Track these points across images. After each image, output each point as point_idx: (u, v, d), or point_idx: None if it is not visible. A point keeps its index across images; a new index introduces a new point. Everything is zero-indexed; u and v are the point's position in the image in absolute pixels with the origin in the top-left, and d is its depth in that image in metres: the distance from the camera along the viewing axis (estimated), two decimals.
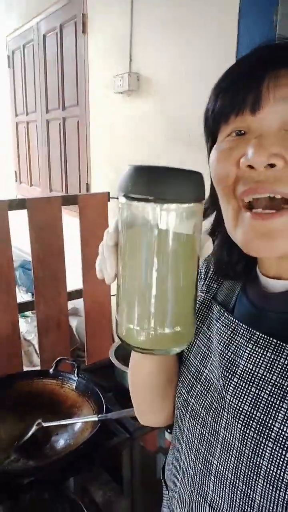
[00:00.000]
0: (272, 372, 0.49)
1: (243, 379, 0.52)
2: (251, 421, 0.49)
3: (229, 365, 0.54)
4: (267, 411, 0.48)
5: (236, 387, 0.52)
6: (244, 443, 0.49)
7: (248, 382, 0.51)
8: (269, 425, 0.47)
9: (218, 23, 1.58)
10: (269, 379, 0.49)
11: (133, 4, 2.03)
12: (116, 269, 0.48)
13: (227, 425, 0.52)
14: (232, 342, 0.55)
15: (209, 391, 0.57)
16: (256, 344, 0.52)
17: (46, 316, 1.88)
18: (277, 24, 1.23)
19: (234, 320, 0.57)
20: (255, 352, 0.51)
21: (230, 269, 0.62)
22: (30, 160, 3.63)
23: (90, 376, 1.42)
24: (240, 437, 0.50)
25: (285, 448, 0.45)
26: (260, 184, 0.46)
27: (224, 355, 0.55)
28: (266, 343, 0.51)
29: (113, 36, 2.23)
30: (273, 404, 0.48)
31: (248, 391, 0.50)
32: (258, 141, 0.45)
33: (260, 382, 0.50)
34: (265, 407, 0.48)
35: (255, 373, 0.50)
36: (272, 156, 0.44)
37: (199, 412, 0.58)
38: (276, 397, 0.48)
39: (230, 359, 0.54)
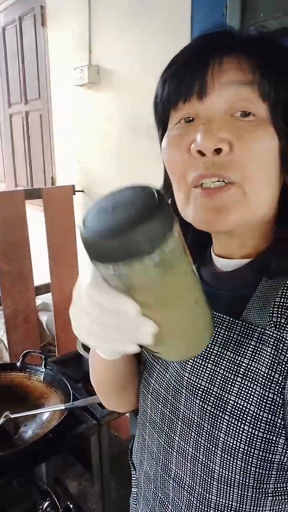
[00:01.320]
0: (226, 348, 0.51)
1: (199, 357, 0.54)
2: (209, 396, 0.51)
3: None
4: (223, 386, 0.50)
5: (193, 365, 0.54)
6: (203, 417, 0.52)
7: (204, 360, 0.53)
8: (225, 399, 0.50)
9: (172, 15, 1.61)
10: (224, 355, 0.51)
11: None
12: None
13: (186, 402, 0.55)
14: None
15: (167, 371, 0.59)
16: None
17: (13, 311, 1.87)
18: (227, 16, 1.26)
19: None
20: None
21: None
22: None
23: (58, 368, 1.44)
24: (199, 412, 0.52)
25: (239, 420, 0.48)
26: (209, 170, 0.47)
27: None
28: (220, 321, 0.53)
29: (72, 28, 2.22)
30: (228, 379, 0.50)
31: (205, 367, 0.52)
32: (205, 126, 0.47)
33: (216, 358, 0.52)
34: (221, 382, 0.50)
35: (211, 351, 0.52)
36: (218, 141, 0.46)
37: (160, 392, 0.60)
38: (231, 371, 0.50)
39: None
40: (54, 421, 1.13)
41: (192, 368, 0.54)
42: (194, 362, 0.54)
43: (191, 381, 0.54)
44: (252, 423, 0.47)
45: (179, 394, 0.56)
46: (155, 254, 0.34)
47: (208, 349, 0.53)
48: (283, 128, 0.48)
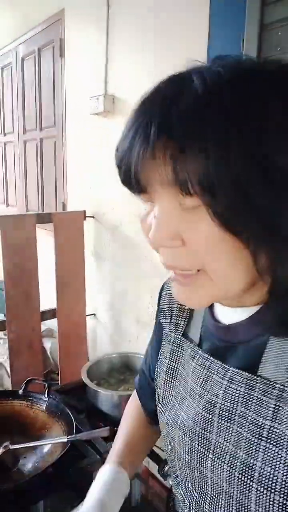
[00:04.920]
0: (248, 408, 0.48)
1: (224, 418, 0.51)
2: (235, 461, 0.48)
3: (208, 405, 0.53)
4: (248, 450, 0.47)
5: (219, 426, 0.51)
6: (232, 484, 0.48)
7: (229, 420, 0.50)
8: (252, 465, 0.46)
9: (188, 49, 1.64)
10: (247, 416, 0.48)
11: (109, 28, 2.08)
12: None
13: (212, 467, 0.51)
14: (208, 381, 0.54)
15: (186, 434, 0.56)
16: (230, 380, 0.51)
17: (17, 336, 1.83)
18: (243, 49, 1.28)
19: (208, 357, 0.56)
20: (230, 388, 0.51)
21: None
22: (6, 180, 3.61)
23: (62, 397, 1.39)
24: (227, 478, 0.49)
25: (269, 489, 0.44)
26: (168, 267, 0.48)
27: (202, 395, 0.55)
28: (239, 378, 0.50)
29: (89, 59, 2.28)
30: (253, 443, 0.47)
31: (231, 429, 0.49)
32: (155, 221, 0.45)
33: (240, 419, 0.49)
34: (246, 446, 0.47)
35: (234, 410, 0.50)
36: (168, 239, 0.45)
37: (184, 456, 0.57)
38: (255, 434, 0.47)
39: (208, 399, 0.54)
40: (56, 454, 1.07)
41: (219, 430, 0.51)
42: (219, 423, 0.51)
43: (219, 444, 0.50)
44: (283, 492, 0.43)
45: (204, 458, 0.53)
46: None
47: (231, 409, 0.50)
48: (220, 211, 0.41)
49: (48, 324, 2.41)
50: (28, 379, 1.30)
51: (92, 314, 2.33)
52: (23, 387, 1.29)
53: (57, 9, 2.51)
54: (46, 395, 1.26)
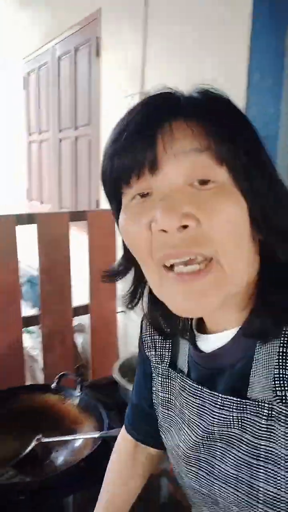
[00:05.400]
0: (244, 430, 0.48)
1: (224, 442, 0.51)
2: (240, 484, 0.48)
3: (207, 434, 0.53)
4: (250, 472, 0.47)
5: (222, 452, 0.51)
6: (240, 507, 0.49)
7: (228, 444, 0.50)
8: (255, 486, 0.46)
9: (229, 44, 1.61)
10: (243, 438, 0.48)
11: (146, 25, 2.08)
12: None
13: (220, 492, 0.51)
14: (203, 410, 0.54)
15: (189, 462, 0.57)
16: (222, 407, 0.51)
17: (51, 331, 1.86)
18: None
19: (198, 386, 0.55)
20: (223, 415, 0.50)
21: (168, 327, 0.60)
22: (41, 178, 3.68)
23: (93, 393, 1.40)
24: (236, 502, 0.49)
25: (274, 509, 0.45)
26: (177, 249, 0.43)
27: (200, 425, 0.54)
28: (230, 403, 0.49)
29: (125, 57, 2.28)
30: (253, 464, 0.47)
31: (231, 453, 0.49)
32: (165, 203, 0.42)
33: (238, 442, 0.49)
34: (247, 468, 0.47)
35: (231, 434, 0.49)
36: (182, 217, 0.42)
37: (193, 485, 0.57)
38: (253, 456, 0.47)
39: (205, 428, 0.53)
40: (87, 450, 1.08)
41: (222, 455, 0.51)
42: (221, 448, 0.51)
43: (222, 469, 0.51)
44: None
45: (211, 484, 0.53)
46: None
47: (229, 432, 0.50)
48: (247, 189, 0.43)
49: (79, 320, 2.44)
50: (61, 374, 1.31)
51: (122, 311, 2.34)
52: (56, 382, 1.31)
53: (94, 8, 2.53)
54: (78, 390, 1.27)
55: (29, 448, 1.08)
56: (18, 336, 1.77)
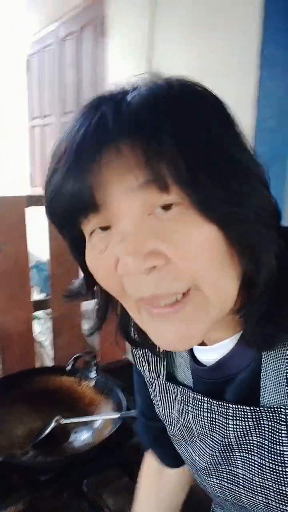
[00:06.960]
0: (263, 437, 0.46)
1: (243, 451, 0.49)
2: (268, 492, 0.47)
3: (223, 447, 0.51)
4: (276, 479, 0.46)
5: (243, 460, 0.49)
6: (269, 511, 0.48)
7: (248, 452, 0.48)
8: (284, 492, 0.46)
9: (240, 26, 1.57)
10: (263, 445, 0.46)
11: (153, 5, 2.03)
12: None
13: (248, 501, 0.50)
14: (213, 423, 0.52)
15: (209, 474, 0.55)
16: (234, 418, 0.48)
17: (61, 316, 1.85)
18: None
19: (203, 398, 0.52)
20: (237, 425, 0.48)
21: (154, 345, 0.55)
22: (44, 163, 3.64)
23: (107, 375, 1.39)
24: (266, 509, 0.48)
25: None
26: (151, 292, 0.39)
27: (213, 438, 0.52)
28: (243, 413, 0.47)
29: (132, 37, 2.23)
30: (277, 471, 0.45)
31: (253, 461, 0.48)
32: (125, 245, 0.38)
33: (258, 449, 0.47)
34: (272, 475, 0.46)
35: (250, 441, 0.48)
36: (147, 258, 0.37)
37: (218, 495, 0.56)
38: (276, 463, 0.45)
39: (220, 440, 0.51)
40: (106, 431, 1.07)
41: (243, 463, 0.49)
42: (242, 457, 0.49)
43: (246, 478, 0.49)
44: None
45: (237, 494, 0.51)
46: None
47: (247, 440, 0.48)
48: (213, 209, 0.37)
49: (85, 306, 2.43)
50: (76, 355, 1.30)
51: None
52: (71, 364, 1.29)
53: None
54: (94, 372, 1.26)
55: (49, 429, 1.07)
56: (29, 320, 1.76)
